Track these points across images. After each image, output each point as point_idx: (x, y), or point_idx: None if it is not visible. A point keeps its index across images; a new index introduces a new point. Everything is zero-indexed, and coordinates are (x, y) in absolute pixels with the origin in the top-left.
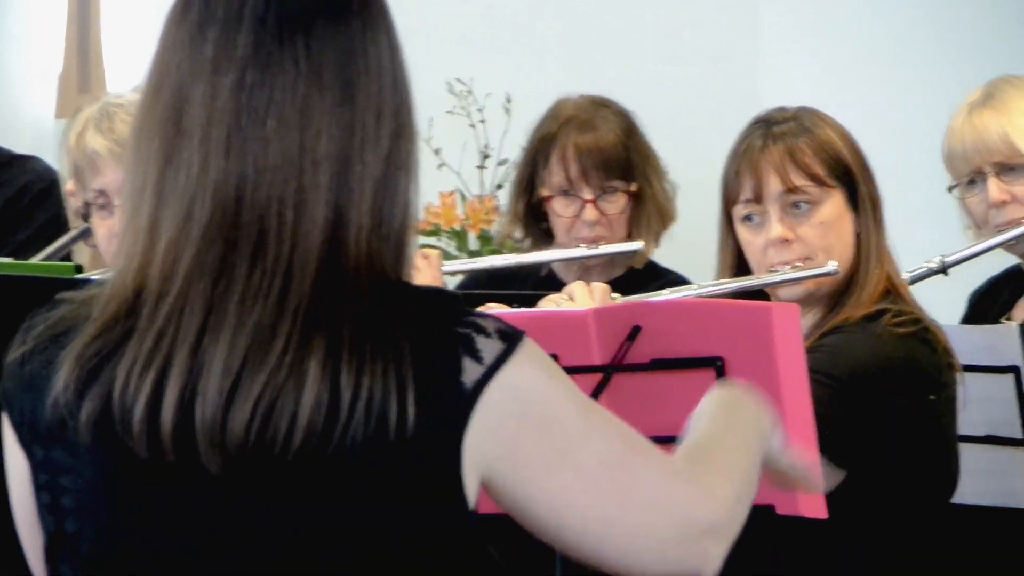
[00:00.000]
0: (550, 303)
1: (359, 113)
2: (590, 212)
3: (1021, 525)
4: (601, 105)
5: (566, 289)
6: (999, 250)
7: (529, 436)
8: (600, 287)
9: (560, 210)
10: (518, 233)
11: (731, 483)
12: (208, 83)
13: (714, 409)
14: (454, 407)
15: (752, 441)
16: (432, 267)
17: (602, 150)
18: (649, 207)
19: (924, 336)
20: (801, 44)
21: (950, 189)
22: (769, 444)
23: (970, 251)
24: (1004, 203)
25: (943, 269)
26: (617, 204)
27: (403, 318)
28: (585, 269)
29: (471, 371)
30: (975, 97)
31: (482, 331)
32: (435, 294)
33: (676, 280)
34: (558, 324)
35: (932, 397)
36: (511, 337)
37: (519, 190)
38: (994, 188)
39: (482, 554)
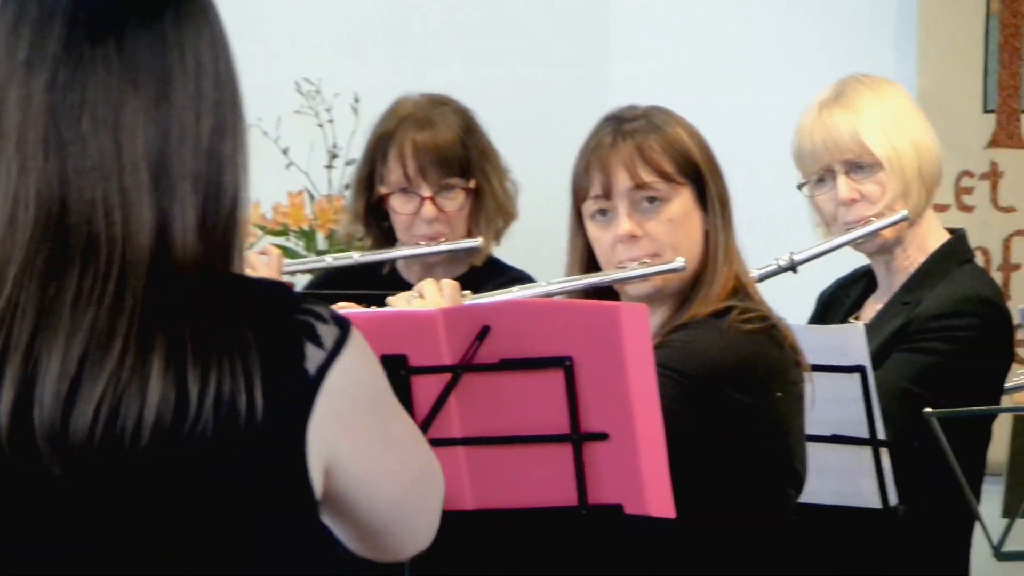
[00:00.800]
0: (400, 301)
1: (176, 111)
2: (428, 209)
3: (867, 524)
4: (440, 103)
5: (417, 287)
6: (847, 248)
7: (365, 419)
8: (450, 285)
9: (399, 207)
10: (359, 232)
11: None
12: (22, 84)
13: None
14: (300, 393)
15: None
16: (272, 266)
17: (440, 147)
18: (488, 204)
19: (771, 334)
20: (650, 45)
21: (800, 187)
22: None
23: (819, 249)
24: (853, 201)
25: (792, 267)
26: (455, 201)
27: (242, 310)
28: (427, 267)
29: (314, 357)
30: (826, 95)
31: (319, 317)
32: (270, 284)
33: (518, 278)
34: (407, 324)
35: (779, 394)
36: (343, 322)
37: (359, 188)
38: (844, 186)
39: (329, 545)
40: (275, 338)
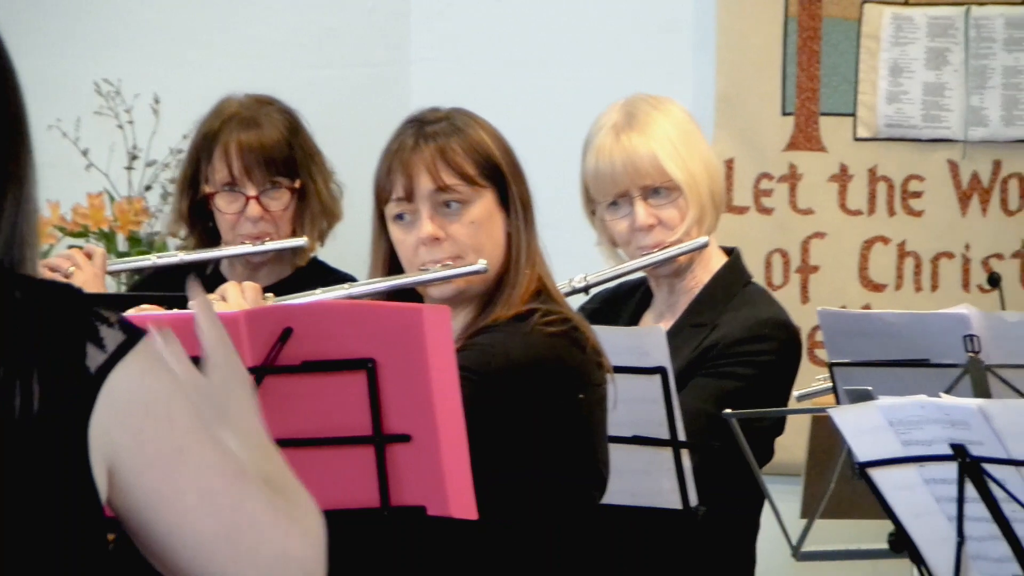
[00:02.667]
0: None
1: None
2: (254, 208)
3: (668, 524)
4: (265, 103)
5: (219, 290)
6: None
7: (152, 430)
8: (251, 287)
9: (224, 207)
10: (183, 232)
11: (316, 516)
12: None
13: (240, 428)
14: (79, 389)
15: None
16: (96, 266)
17: (265, 147)
18: (313, 204)
19: (573, 335)
20: (451, 47)
21: (592, 212)
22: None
23: (614, 272)
24: (651, 227)
25: (586, 288)
26: (281, 201)
27: (27, 309)
28: (252, 267)
29: (95, 357)
30: (617, 118)
31: (105, 321)
32: (58, 287)
33: (343, 279)
34: None
35: (581, 396)
36: (133, 330)
37: (183, 188)
38: (642, 212)
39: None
40: (57, 337)
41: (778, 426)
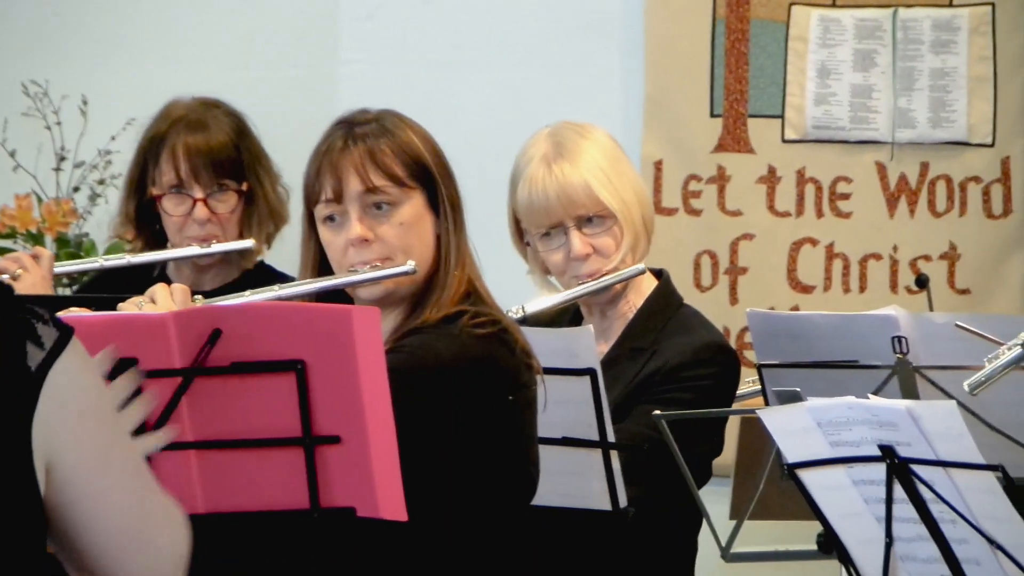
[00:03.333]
0: (131, 306)
1: None
2: (201, 211)
3: (598, 526)
4: (212, 106)
5: (148, 291)
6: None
7: (88, 427)
8: (180, 288)
9: (171, 209)
10: (130, 234)
11: (180, 517)
12: None
13: (102, 435)
14: (23, 387)
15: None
16: (43, 267)
17: (212, 150)
18: (260, 207)
19: (502, 337)
20: (380, 49)
21: (523, 242)
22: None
23: (552, 301)
24: (587, 256)
25: (523, 319)
26: (228, 203)
27: None
28: (199, 270)
29: (34, 355)
30: (546, 149)
31: (40, 319)
32: None
33: (289, 282)
34: (138, 327)
35: (510, 397)
36: (64, 327)
37: (129, 190)
38: (577, 242)
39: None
40: None
41: (717, 448)
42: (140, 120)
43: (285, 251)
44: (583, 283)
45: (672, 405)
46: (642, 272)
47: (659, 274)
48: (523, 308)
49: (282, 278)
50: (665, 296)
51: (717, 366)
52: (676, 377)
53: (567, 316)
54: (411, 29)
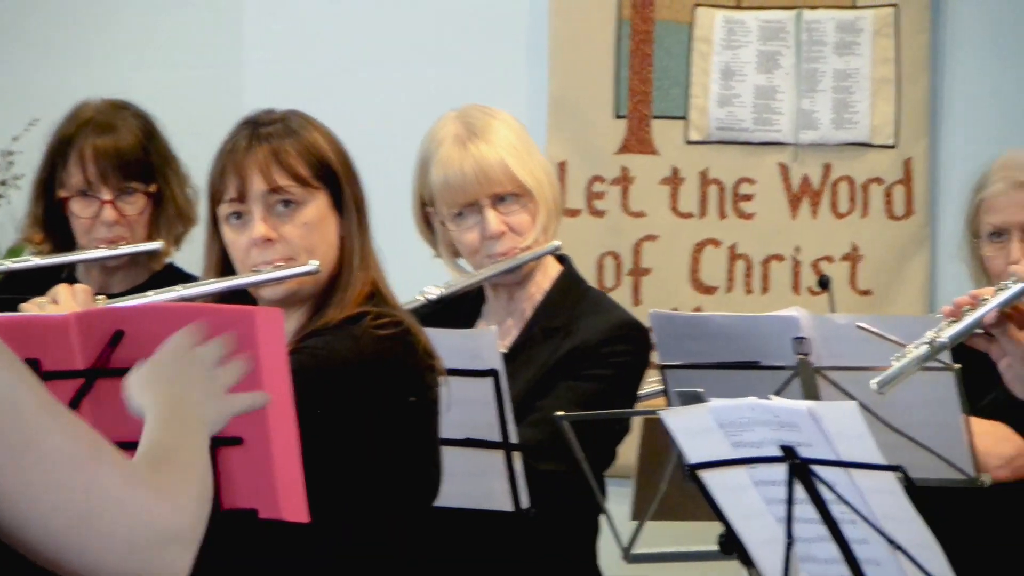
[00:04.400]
0: (33, 307)
1: None
2: (109, 213)
3: (504, 526)
4: (120, 107)
5: (50, 292)
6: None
7: (1, 424)
8: (82, 289)
9: (79, 211)
10: (38, 237)
11: (191, 486)
12: None
13: (157, 400)
14: None
15: (202, 427)
16: None
17: (121, 151)
18: (169, 209)
19: (404, 338)
20: (286, 49)
21: (428, 225)
22: (220, 402)
23: (467, 283)
24: (502, 234)
25: (440, 300)
26: (136, 205)
27: None
28: (107, 272)
29: None
30: (457, 129)
31: None
32: None
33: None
34: (39, 328)
35: (413, 398)
36: None
37: (38, 193)
38: (493, 219)
39: None
40: None
41: (625, 429)
42: (43, 120)
43: (195, 253)
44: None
45: (592, 381)
46: (558, 248)
47: (562, 258)
48: (440, 291)
49: (191, 280)
50: (572, 278)
51: (633, 343)
52: (595, 354)
53: (469, 298)
54: (316, 29)
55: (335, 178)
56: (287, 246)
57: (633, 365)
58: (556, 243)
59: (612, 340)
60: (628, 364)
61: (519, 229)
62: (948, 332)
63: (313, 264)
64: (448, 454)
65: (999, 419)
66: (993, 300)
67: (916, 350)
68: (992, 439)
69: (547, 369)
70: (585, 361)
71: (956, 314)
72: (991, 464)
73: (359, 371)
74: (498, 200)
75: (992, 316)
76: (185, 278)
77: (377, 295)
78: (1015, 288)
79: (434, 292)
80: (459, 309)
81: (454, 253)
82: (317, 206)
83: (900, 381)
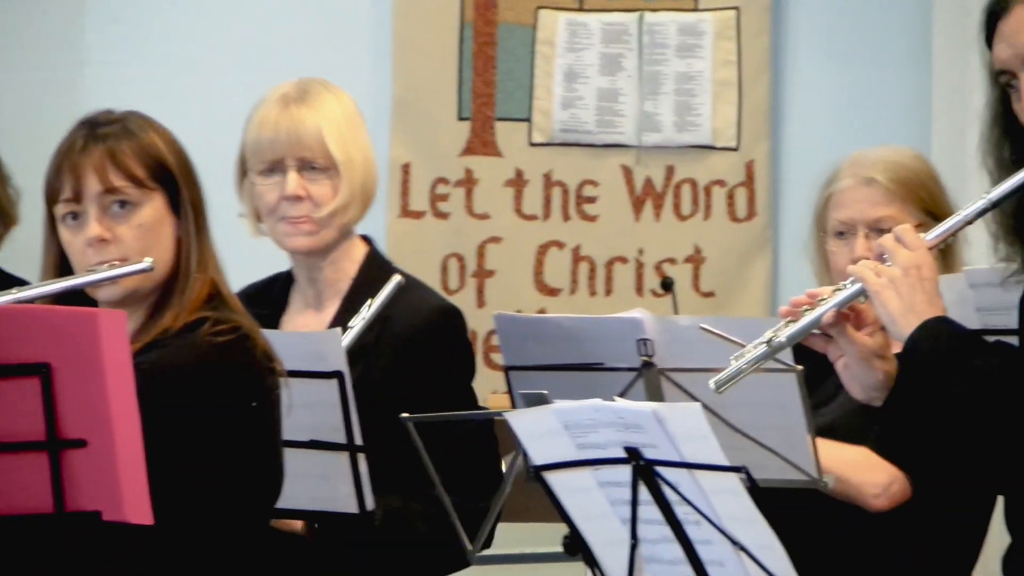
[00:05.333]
0: None
1: None
2: None
3: (349, 527)
4: None
5: None
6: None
7: None
8: None
9: None
10: None
11: None
12: None
13: None
14: None
15: None
16: None
17: None
18: None
19: (243, 344)
20: (127, 52)
21: (252, 180)
22: None
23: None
24: (299, 198)
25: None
26: None
27: None
28: None
29: None
30: (288, 90)
31: None
32: None
33: (19, 284)
34: None
35: (254, 404)
36: None
37: None
38: (293, 181)
39: None
40: None
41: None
42: None
43: (17, 252)
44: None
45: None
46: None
47: (365, 239)
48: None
49: (13, 280)
50: (379, 262)
51: (457, 327)
52: (424, 340)
53: (277, 284)
54: (157, 31)
55: (172, 179)
56: (121, 247)
57: (465, 347)
58: (146, 263)
59: (437, 326)
60: (461, 346)
61: (317, 199)
62: (786, 332)
63: (147, 261)
64: (293, 456)
65: (843, 424)
66: (830, 301)
67: (754, 350)
68: (864, 469)
69: (383, 362)
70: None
71: (794, 314)
72: (868, 494)
73: (200, 378)
74: (305, 165)
75: (829, 317)
76: (6, 278)
77: (217, 297)
78: (852, 289)
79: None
80: (270, 294)
81: (257, 216)
82: (153, 207)
83: (738, 381)
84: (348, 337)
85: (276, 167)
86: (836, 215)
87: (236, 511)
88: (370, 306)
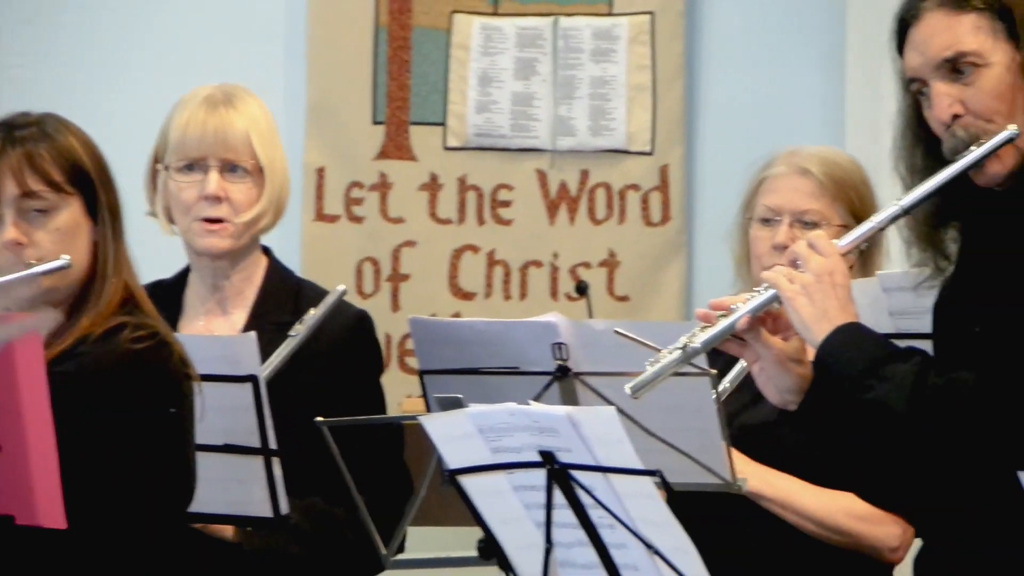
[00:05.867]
0: None
1: None
2: None
3: (274, 531)
4: None
5: None
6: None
7: None
8: None
9: None
10: None
11: None
12: None
13: None
14: None
15: None
16: None
17: None
18: None
19: (160, 350)
20: (40, 55)
21: (165, 168)
22: None
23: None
24: (219, 199)
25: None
26: None
27: None
28: None
29: None
30: (213, 92)
31: None
32: None
33: None
34: None
35: (172, 410)
36: None
37: None
38: (214, 181)
39: None
40: None
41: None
42: None
43: None
44: (206, 229)
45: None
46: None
47: (264, 249)
48: None
49: None
50: (283, 269)
51: (372, 333)
52: (349, 348)
53: (162, 288)
54: (73, 34)
55: (89, 183)
56: (38, 250)
57: (378, 353)
58: (66, 259)
59: (360, 332)
60: (377, 352)
61: (238, 204)
62: (701, 337)
63: (64, 259)
64: (208, 460)
65: (769, 424)
66: (745, 306)
67: (670, 355)
68: (873, 522)
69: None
70: (341, 355)
71: (709, 319)
72: (886, 548)
73: (121, 385)
74: (229, 167)
75: (744, 322)
76: None
77: (131, 301)
78: (765, 295)
79: None
80: (165, 295)
81: (169, 216)
82: (70, 211)
83: (654, 386)
84: (292, 344)
85: (197, 165)
86: (765, 200)
87: (150, 515)
88: (313, 314)
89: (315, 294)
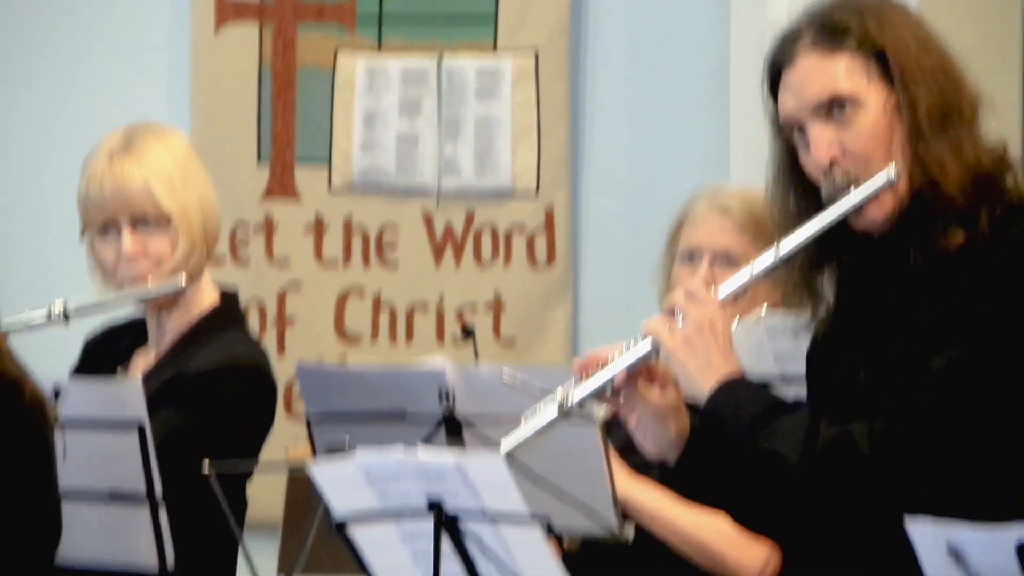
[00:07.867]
0: None
1: None
2: None
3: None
4: None
5: None
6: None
7: None
8: None
9: None
10: None
11: None
12: None
13: None
14: None
15: None
16: None
17: None
18: None
19: (12, 390)
20: None
21: (82, 234)
22: None
23: (97, 301)
24: (138, 256)
25: (65, 315)
26: None
27: None
28: None
29: None
30: (115, 142)
31: None
32: None
33: None
34: None
35: (24, 450)
36: None
37: None
38: (127, 241)
39: None
40: None
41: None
42: None
43: None
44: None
45: (185, 409)
46: (178, 288)
47: (226, 293)
48: (64, 306)
49: None
50: (220, 314)
51: (239, 383)
52: (196, 383)
53: (134, 331)
54: None
55: None
56: None
57: (236, 404)
58: (177, 278)
59: (216, 373)
60: (231, 401)
61: (156, 256)
62: (577, 395)
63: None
64: (90, 510)
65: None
66: (620, 361)
67: (545, 413)
68: (738, 546)
69: (151, 395)
70: (184, 390)
71: (586, 371)
72: (750, 572)
73: None
74: (139, 222)
75: (621, 379)
76: None
77: None
78: (644, 349)
79: (59, 307)
80: (123, 339)
81: (104, 272)
82: None
83: (530, 445)
84: None
85: (110, 225)
86: (686, 238)
87: (11, 561)
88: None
89: (234, 339)
